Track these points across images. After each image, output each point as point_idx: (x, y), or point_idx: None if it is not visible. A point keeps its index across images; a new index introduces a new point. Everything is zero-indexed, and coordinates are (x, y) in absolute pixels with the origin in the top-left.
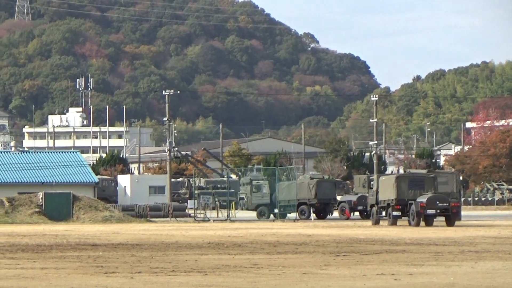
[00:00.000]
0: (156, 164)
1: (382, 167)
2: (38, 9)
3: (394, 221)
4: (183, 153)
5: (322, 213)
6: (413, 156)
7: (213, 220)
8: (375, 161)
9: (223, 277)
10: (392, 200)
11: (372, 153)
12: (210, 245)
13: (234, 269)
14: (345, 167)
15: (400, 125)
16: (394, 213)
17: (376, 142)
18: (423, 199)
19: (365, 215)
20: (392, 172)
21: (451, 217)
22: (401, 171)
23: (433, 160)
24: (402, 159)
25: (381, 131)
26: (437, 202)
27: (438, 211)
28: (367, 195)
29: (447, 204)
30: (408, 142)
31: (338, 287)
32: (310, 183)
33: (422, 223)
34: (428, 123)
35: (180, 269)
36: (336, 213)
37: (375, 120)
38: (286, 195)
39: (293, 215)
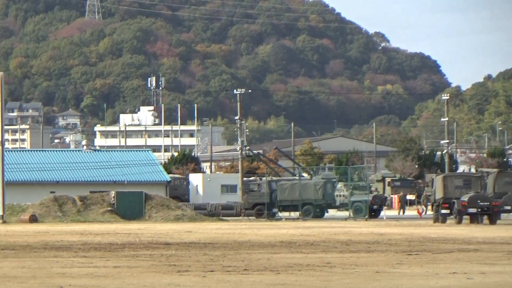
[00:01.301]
0: (228, 163)
1: (454, 166)
2: (109, 8)
3: (443, 219)
4: (255, 152)
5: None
6: (485, 155)
7: (285, 219)
8: (446, 160)
9: (295, 276)
10: (441, 198)
11: (444, 152)
12: (283, 244)
13: (307, 268)
14: (416, 166)
15: (471, 124)
16: (443, 211)
17: (447, 141)
18: (465, 198)
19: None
20: (463, 171)
21: (493, 216)
22: (473, 170)
23: (505, 159)
24: (473, 158)
25: (452, 130)
26: (478, 201)
27: (479, 209)
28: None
29: (488, 203)
30: (479, 141)
31: (410, 285)
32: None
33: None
34: (500, 122)
35: (253, 268)
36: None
37: (446, 119)
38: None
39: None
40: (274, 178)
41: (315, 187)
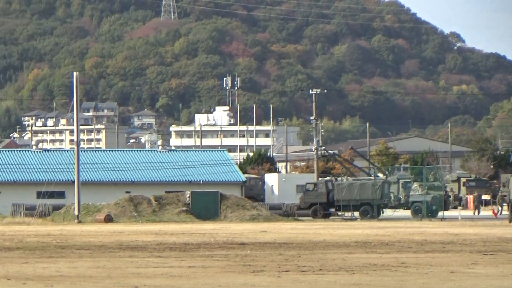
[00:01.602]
0: (303, 163)
1: None
2: (184, 8)
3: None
4: (330, 152)
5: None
6: None
7: (360, 219)
8: None
9: (370, 276)
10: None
11: None
12: (358, 244)
13: (382, 268)
14: (491, 166)
15: None
16: None
17: None
18: None
19: None
20: None
21: None
22: None
23: None
24: None
25: None
26: None
27: None
28: None
29: None
30: None
31: (485, 286)
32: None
33: None
34: None
35: (328, 268)
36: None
37: None
38: None
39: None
40: (329, 178)
41: (373, 187)
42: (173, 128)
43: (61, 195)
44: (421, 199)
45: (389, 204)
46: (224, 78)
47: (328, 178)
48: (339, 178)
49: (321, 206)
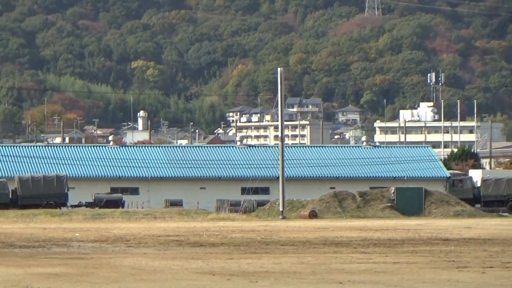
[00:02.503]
0: (507, 159)
1: None
2: (388, 4)
3: None
4: None
5: None
6: None
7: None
8: None
9: None
10: None
11: None
12: None
13: None
14: None
15: None
16: None
17: None
18: None
19: None
20: None
21: None
22: None
23: None
24: None
25: None
26: None
27: None
28: None
29: None
30: None
31: None
32: None
33: None
34: None
35: None
36: None
37: None
38: None
39: None
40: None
41: None
42: (378, 124)
43: (265, 191)
44: None
45: None
46: (428, 74)
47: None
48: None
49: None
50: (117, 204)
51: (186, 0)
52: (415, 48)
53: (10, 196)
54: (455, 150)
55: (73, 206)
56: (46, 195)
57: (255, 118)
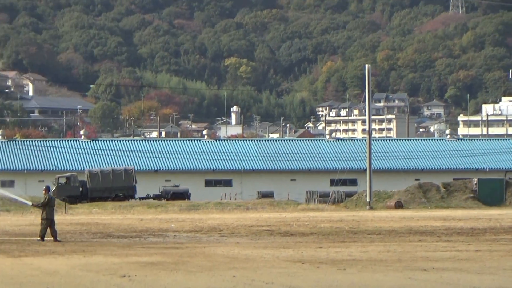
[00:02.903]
0: None
1: None
2: (472, 2)
3: None
4: None
5: None
6: None
7: None
8: None
9: None
10: None
11: None
12: None
13: None
14: None
15: None
16: None
17: None
18: None
19: None
20: None
21: None
22: None
23: None
24: None
25: None
26: None
27: None
28: None
29: None
30: None
31: None
32: None
33: None
34: None
35: None
36: None
37: None
38: None
39: None
40: None
41: None
42: (461, 117)
43: (353, 182)
44: None
45: None
46: (510, 70)
47: None
48: None
49: None
50: (183, 196)
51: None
52: (498, 45)
53: (81, 189)
54: None
55: (141, 198)
56: (115, 188)
57: (343, 112)
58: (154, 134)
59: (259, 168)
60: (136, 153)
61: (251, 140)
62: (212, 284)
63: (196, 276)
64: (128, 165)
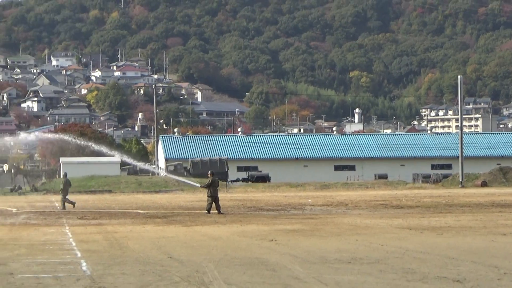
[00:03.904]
0: None
1: None
2: None
3: None
4: None
5: None
6: None
7: None
8: None
9: None
10: None
11: None
12: None
13: None
14: None
15: None
16: None
17: None
18: None
19: None
20: None
21: None
22: None
23: None
24: None
25: None
26: None
27: None
28: None
29: None
30: None
31: None
32: None
33: None
34: None
35: None
36: None
37: None
38: None
39: None
40: None
41: None
42: None
43: (449, 167)
44: None
45: None
46: None
47: None
48: None
49: None
50: (264, 179)
51: (391, 25)
52: None
53: (185, 174)
54: None
55: (232, 181)
56: None
57: (441, 113)
58: (295, 130)
59: (376, 156)
60: (281, 145)
61: (370, 135)
62: (340, 246)
63: (328, 240)
64: (274, 156)
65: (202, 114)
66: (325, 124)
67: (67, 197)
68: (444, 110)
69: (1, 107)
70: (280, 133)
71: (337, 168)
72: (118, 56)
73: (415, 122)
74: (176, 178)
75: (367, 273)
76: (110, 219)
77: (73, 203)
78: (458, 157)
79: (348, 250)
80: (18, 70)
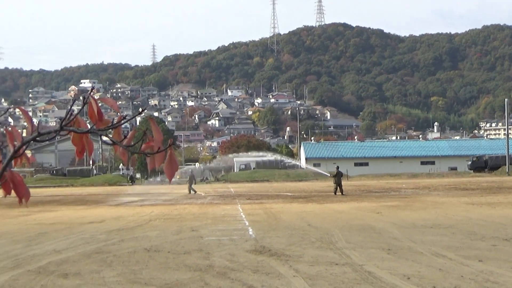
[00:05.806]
0: None
1: None
2: None
3: None
4: None
5: None
6: None
7: None
8: None
9: None
10: None
11: None
12: None
13: None
14: None
15: None
16: None
17: None
18: None
19: None
20: None
21: None
22: None
23: None
24: None
25: None
26: None
27: None
28: None
29: None
30: None
31: None
32: None
33: None
34: None
35: None
36: None
37: None
38: None
39: None
40: None
41: None
42: None
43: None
44: None
45: None
46: None
47: None
48: None
49: None
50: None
51: (459, 65)
52: None
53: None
54: None
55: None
56: None
57: (493, 124)
58: (393, 137)
59: (449, 155)
60: (384, 148)
61: (445, 140)
62: (424, 216)
63: (416, 212)
64: (379, 155)
65: (330, 127)
66: (414, 133)
67: (192, 186)
68: (495, 123)
69: (194, 124)
70: (383, 140)
71: (422, 163)
72: (273, 88)
73: (476, 131)
74: (314, 170)
75: (443, 234)
76: (268, 199)
77: (194, 191)
78: (505, 155)
79: (430, 219)
80: (205, 99)
